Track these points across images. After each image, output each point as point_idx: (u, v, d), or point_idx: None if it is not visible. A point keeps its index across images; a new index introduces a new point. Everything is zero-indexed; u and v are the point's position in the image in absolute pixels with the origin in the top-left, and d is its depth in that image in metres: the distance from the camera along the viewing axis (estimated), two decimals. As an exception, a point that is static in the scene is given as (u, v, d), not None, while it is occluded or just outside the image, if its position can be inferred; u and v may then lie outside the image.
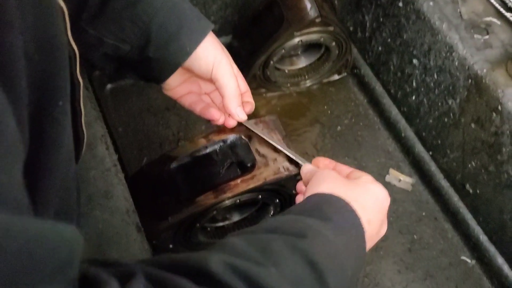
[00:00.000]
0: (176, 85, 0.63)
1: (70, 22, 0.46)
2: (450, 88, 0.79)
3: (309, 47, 0.93)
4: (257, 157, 0.63)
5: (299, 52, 0.94)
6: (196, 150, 0.65)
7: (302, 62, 0.94)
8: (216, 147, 0.65)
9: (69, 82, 0.38)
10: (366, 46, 0.95)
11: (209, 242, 0.72)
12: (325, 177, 0.55)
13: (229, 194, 0.61)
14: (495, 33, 0.77)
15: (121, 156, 0.80)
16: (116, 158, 0.59)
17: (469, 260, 0.81)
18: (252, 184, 0.61)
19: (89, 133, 0.59)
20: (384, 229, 0.58)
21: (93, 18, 0.56)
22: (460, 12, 0.79)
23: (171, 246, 0.67)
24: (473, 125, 0.77)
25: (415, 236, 0.83)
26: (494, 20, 0.79)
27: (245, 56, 0.89)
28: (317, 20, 0.80)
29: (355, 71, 0.98)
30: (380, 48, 0.92)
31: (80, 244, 0.30)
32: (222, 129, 0.66)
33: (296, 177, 0.64)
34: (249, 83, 0.88)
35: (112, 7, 0.56)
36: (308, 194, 0.53)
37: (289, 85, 0.94)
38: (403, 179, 0.87)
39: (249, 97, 0.65)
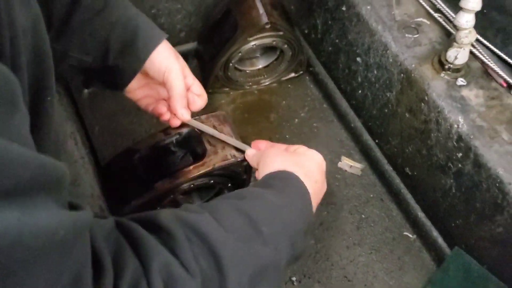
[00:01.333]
0: (135, 89, 0.73)
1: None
2: (387, 82, 0.89)
3: (266, 49, 1.03)
4: (208, 147, 0.73)
5: (258, 55, 1.04)
6: (156, 142, 0.75)
7: (260, 63, 1.04)
8: (173, 139, 0.75)
9: (54, 82, 0.46)
10: (319, 46, 1.05)
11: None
12: (271, 157, 0.65)
13: (182, 179, 0.71)
14: (424, 32, 0.87)
15: (96, 152, 0.90)
16: (85, 152, 0.69)
17: (410, 235, 0.91)
18: (202, 170, 0.71)
19: (61, 131, 0.69)
20: (325, 186, 0.69)
21: (57, 34, 0.65)
22: (394, 14, 0.89)
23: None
24: (407, 114, 0.86)
25: (363, 216, 0.93)
26: (424, 20, 0.89)
27: (207, 59, 0.99)
28: (267, 26, 0.90)
29: (311, 69, 1.08)
30: (330, 48, 1.01)
31: (68, 176, 0.35)
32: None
33: (242, 163, 0.74)
34: (213, 83, 0.99)
35: (73, 23, 0.65)
36: (261, 175, 0.64)
37: (250, 83, 1.04)
38: (354, 165, 0.97)
39: (200, 91, 0.74)
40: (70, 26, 0.66)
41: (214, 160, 0.72)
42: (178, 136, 0.75)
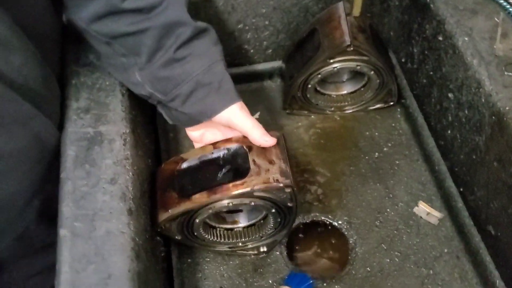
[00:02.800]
0: (197, 132, 0.78)
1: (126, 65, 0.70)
2: (478, 124, 0.77)
3: (353, 75, 0.97)
4: (252, 166, 0.69)
5: (343, 79, 0.98)
6: (203, 155, 0.73)
7: (346, 88, 0.98)
8: (220, 153, 0.73)
9: None
10: (414, 77, 0.96)
11: (217, 241, 0.79)
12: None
13: (219, 196, 0.68)
14: (529, 71, 0.74)
15: (161, 156, 0.92)
16: (132, 154, 0.70)
17: (484, 306, 0.78)
18: (240, 189, 0.68)
19: (113, 130, 0.71)
20: None
21: (142, 68, 0.71)
22: (495, 48, 0.77)
23: (177, 237, 0.76)
24: (495, 164, 0.74)
25: (431, 271, 0.81)
26: (533, 58, 0.76)
27: (288, 78, 0.96)
28: (349, 49, 0.84)
29: (402, 101, 0.99)
30: (424, 81, 0.92)
31: None
32: (229, 138, 0.74)
33: (285, 189, 0.69)
34: (291, 103, 0.96)
35: (156, 64, 0.70)
36: None
37: (333, 109, 0.98)
38: (431, 213, 0.86)
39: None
40: (153, 65, 0.70)
41: (255, 181, 0.68)
42: (226, 151, 0.73)
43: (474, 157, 0.79)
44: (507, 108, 0.71)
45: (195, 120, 0.74)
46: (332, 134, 0.98)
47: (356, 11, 0.85)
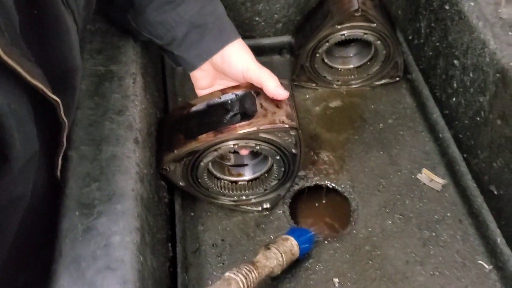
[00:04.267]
0: (204, 83, 0.79)
1: (121, 16, 0.68)
2: (482, 85, 0.78)
3: (360, 49, 0.99)
4: (259, 109, 0.70)
5: (351, 54, 1.00)
6: (211, 99, 0.75)
7: (352, 62, 0.99)
8: (228, 98, 0.74)
9: None
10: (420, 51, 0.98)
11: (221, 192, 0.80)
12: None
13: (225, 135, 0.69)
14: (533, 32, 0.76)
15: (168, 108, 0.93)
16: (140, 92, 0.72)
17: (486, 265, 0.77)
18: (246, 129, 0.69)
19: (123, 69, 0.73)
20: None
21: (135, 15, 0.74)
22: (500, 12, 0.79)
23: (181, 184, 0.76)
24: (498, 121, 0.75)
25: (433, 233, 0.81)
26: (537, 21, 0.77)
27: (296, 49, 0.98)
28: (357, 14, 0.86)
29: (408, 76, 1.00)
30: (430, 53, 0.94)
31: None
32: (238, 85, 0.75)
33: (291, 131, 0.70)
34: (299, 75, 0.98)
35: (150, 10, 0.73)
36: None
37: (339, 83, 1.00)
38: (434, 179, 0.86)
39: None
40: (148, 11, 0.73)
41: (261, 122, 0.69)
42: (233, 96, 0.74)
43: (478, 118, 0.80)
44: (511, 64, 0.72)
45: (193, 64, 0.75)
46: (338, 107, 0.99)
47: (365, -22, 0.88)
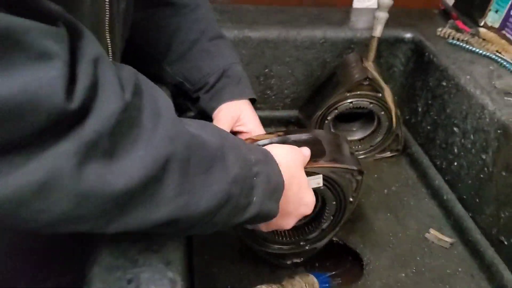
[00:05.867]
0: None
1: (154, 64, 0.79)
2: (484, 143, 0.85)
3: (364, 123, 1.06)
4: (327, 150, 0.71)
5: (354, 128, 1.07)
6: (273, 139, 0.74)
7: (357, 135, 1.07)
8: (292, 138, 0.72)
9: None
10: (417, 128, 1.06)
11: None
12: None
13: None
14: (525, 98, 0.86)
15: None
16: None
17: (504, 316, 0.76)
18: (314, 165, 0.68)
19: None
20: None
21: (172, 62, 0.82)
22: (494, 84, 0.89)
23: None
24: (503, 173, 0.81)
25: (447, 286, 0.81)
26: (526, 92, 0.88)
27: (304, 120, 1.05)
28: (366, 82, 0.95)
29: (408, 150, 1.07)
30: (428, 127, 1.02)
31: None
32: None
33: (357, 175, 0.72)
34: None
35: (188, 58, 0.81)
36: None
37: (344, 153, 1.05)
38: (442, 238, 0.88)
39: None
40: (186, 59, 0.82)
41: (332, 161, 0.70)
42: (299, 136, 0.73)
43: (482, 176, 0.86)
44: (511, 119, 0.80)
45: (211, 108, 0.80)
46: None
47: (371, 56, 0.99)
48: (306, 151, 0.67)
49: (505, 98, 0.86)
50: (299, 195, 0.61)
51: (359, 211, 0.95)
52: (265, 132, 0.78)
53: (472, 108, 0.88)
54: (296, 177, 0.60)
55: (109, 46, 0.60)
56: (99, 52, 0.39)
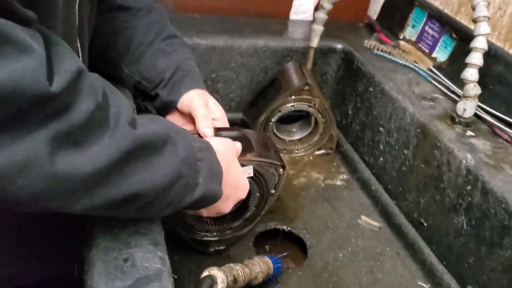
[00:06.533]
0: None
1: (114, 66, 0.84)
2: (406, 140, 1.00)
3: (302, 125, 1.19)
4: (255, 146, 0.81)
5: (294, 130, 1.19)
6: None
7: (297, 135, 1.19)
8: (223, 134, 0.82)
9: None
10: (348, 129, 1.20)
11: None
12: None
13: None
14: (438, 102, 1.01)
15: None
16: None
17: (425, 285, 0.91)
18: (241, 158, 0.77)
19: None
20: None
21: (130, 64, 0.88)
22: (413, 90, 1.05)
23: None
24: (422, 165, 0.95)
25: (378, 263, 0.94)
26: (439, 96, 1.04)
27: (249, 122, 1.15)
28: (306, 87, 1.07)
29: (340, 148, 1.21)
30: (358, 128, 1.16)
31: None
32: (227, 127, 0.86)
33: (280, 169, 0.83)
34: (252, 141, 1.12)
35: (144, 58, 0.87)
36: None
37: (285, 151, 1.17)
38: (372, 223, 1.02)
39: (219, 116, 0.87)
40: (142, 59, 0.88)
41: (257, 156, 0.80)
42: (229, 133, 0.81)
43: (403, 168, 1.00)
44: (427, 120, 0.96)
45: (171, 101, 0.86)
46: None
47: (309, 64, 1.11)
48: (238, 145, 0.77)
49: (423, 102, 1.01)
50: (236, 180, 0.72)
51: (302, 202, 1.06)
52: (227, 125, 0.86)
53: (395, 110, 1.03)
54: (232, 165, 0.71)
55: (79, 49, 0.66)
56: (76, 61, 0.47)
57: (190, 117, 0.89)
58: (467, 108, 0.92)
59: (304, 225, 1.01)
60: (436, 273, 0.90)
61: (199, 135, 0.79)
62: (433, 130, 0.93)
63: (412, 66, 1.13)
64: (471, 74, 0.90)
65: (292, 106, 1.10)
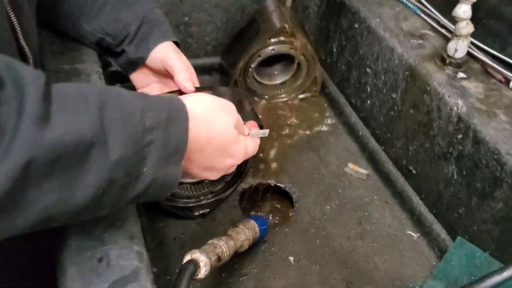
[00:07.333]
0: (142, 86, 0.84)
1: (71, 22, 0.73)
2: (394, 84, 0.94)
3: (284, 67, 1.12)
4: None
5: (276, 72, 1.13)
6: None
7: (278, 79, 1.12)
8: None
9: None
10: (333, 68, 1.13)
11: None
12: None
13: None
14: (428, 40, 0.95)
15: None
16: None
17: (414, 234, 0.90)
18: None
19: (88, 67, 0.77)
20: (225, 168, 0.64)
21: (90, 19, 0.79)
22: (401, 26, 0.97)
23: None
24: (411, 111, 0.91)
25: (366, 213, 0.92)
26: (429, 32, 0.97)
27: (228, 67, 1.08)
28: (285, 30, 0.99)
29: (325, 90, 1.15)
30: (343, 68, 1.10)
31: None
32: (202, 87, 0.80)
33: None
34: (232, 89, 1.06)
35: (105, 11, 0.79)
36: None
37: (267, 97, 1.11)
38: (359, 171, 0.99)
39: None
40: (103, 13, 0.79)
41: None
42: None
43: (392, 113, 0.96)
44: (416, 61, 0.90)
45: (140, 58, 0.79)
46: (269, 119, 1.10)
47: (288, 2, 1.02)
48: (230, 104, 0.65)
49: (411, 40, 0.94)
50: (224, 147, 0.61)
51: (287, 153, 1.03)
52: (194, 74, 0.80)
53: (383, 50, 0.97)
54: (218, 129, 0.59)
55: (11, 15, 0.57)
56: None
57: (161, 74, 0.83)
58: (459, 48, 0.85)
59: (291, 178, 0.98)
60: (425, 222, 0.88)
61: (178, 93, 0.73)
62: (422, 73, 0.88)
63: (399, -3, 1.05)
64: (463, 11, 0.83)
65: (272, 49, 1.02)
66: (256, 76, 1.08)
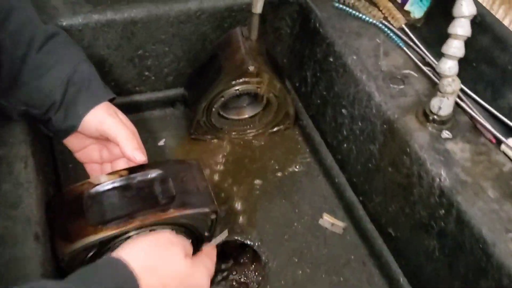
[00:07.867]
0: (78, 149, 0.74)
1: None
2: (371, 134, 0.84)
3: (253, 99, 1.00)
4: (176, 192, 0.67)
5: (244, 104, 1.01)
6: (117, 179, 0.69)
7: (247, 112, 1.01)
8: (139, 179, 0.69)
9: None
10: (308, 99, 1.02)
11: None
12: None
13: (139, 222, 0.64)
14: (411, 83, 0.83)
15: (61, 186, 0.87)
16: (34, 177, 0.66)
17: (392, 305, 0.82)
18: (163, 216, 0.65)
19: (12, 153, 0.67)
20: None
21: (5, 92, 0.67)
22: (380, 64, 0.86)
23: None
24: (390, 169, 0.81)
25: (341, 278, 0.84)
26: (412, 72, 0.85)
27: (191, 104, 0.97)
28: (250, 70, 0.87)
29: (300, 122, 1.04)
30: (318, 101, 0.98)
31: None
32: (143, 165, 0.71)
33: (210, 215, 0.68)
34: (196, 129, 0.96)
35: (21, 81, 0.67)
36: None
37: (234, 133, 1.01)
38: (335, 223, 0.90)
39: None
40: (19, 82, 0.68)
41: (178, 207, 0.66)
42: (144, 177, 0.68)
43: (370, 165, 0.86)
44: (395, 116, 0.79)
45: (71, 126, 0.70)
46: (237, 158, 1.00)
47: (254, 35, 0.90)
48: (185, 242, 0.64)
49: (391, 85, 0.83)
50: (184, 285, 0.59)
51: (256, 200, 0.93)
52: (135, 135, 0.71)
53: (359, 94, 0.85)
54: (169, 272, 0.58)
55: None
56: None
57: (97, 138, 0.73)
58: (443, 106, 0.74)
59: (260, 233, 0.89)
60: (404, 292, 0.80)
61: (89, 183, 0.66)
62: (402, 131, 0.77)
63: (380, 25, 0.92)
64: (448, 67, 0.71)
65: (237, 90, 0.91)
66: (222, 113, 0.97)
